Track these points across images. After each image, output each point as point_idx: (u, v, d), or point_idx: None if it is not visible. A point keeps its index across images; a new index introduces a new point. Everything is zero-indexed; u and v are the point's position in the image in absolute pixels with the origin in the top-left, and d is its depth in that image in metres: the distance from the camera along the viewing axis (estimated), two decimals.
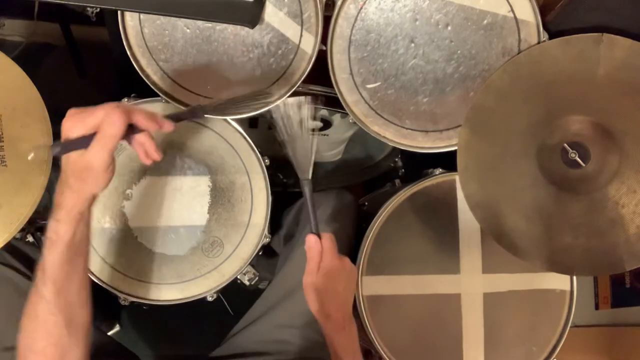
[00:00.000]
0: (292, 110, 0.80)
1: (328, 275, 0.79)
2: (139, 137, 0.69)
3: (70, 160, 0.66)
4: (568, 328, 1.05)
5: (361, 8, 0.92)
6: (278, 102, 0.94)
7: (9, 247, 0.90)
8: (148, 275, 0.99)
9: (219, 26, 0.91)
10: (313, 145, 0.82)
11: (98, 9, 1.04)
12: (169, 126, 0.69)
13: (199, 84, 0.95)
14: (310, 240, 0.80)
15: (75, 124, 0.65)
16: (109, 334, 1.32)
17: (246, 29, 0.91)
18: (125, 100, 0.99)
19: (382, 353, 1.01)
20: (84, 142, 0.64)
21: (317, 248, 0.80)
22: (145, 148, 0.70)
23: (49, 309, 0.70)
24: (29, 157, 0.68)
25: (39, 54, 1.41)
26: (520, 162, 0.94)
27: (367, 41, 0.94)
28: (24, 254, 0.97)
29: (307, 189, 0.82)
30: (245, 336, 0.98)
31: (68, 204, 0.68)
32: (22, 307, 0.90)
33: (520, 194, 0.95)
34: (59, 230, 0.69)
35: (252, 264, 1.01)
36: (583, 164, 0.93)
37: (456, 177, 1.01)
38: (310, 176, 0.82)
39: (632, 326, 1.19)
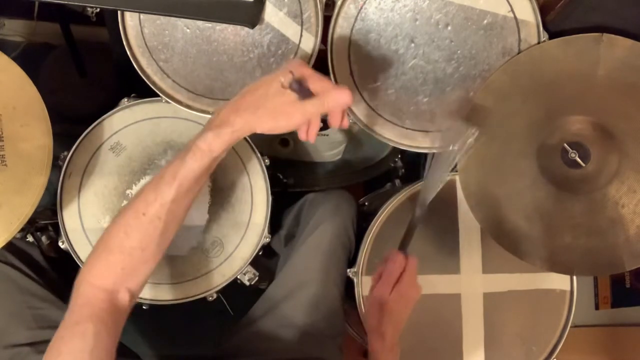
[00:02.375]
0: (456, 138, 0.79)
1: (401, 298, 0.81)
2: (316, 121, 0.74)
3: (282, 99, 0.69)
4: (568, 328, 1.05)
5: (361, 8, 0.92)
6: None
7: (10, 246, 0.90)
8: None
9: (219, 26, 0.91)
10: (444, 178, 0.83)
11: (98, 9, 1.04)
12: (345, 124, 0.76)
13: (199, 84, 0.95)
14: (398, 256, 0.81)
15: (311, 76, 0.70)
16: None
17: (246, 29, 0.91)
18: (125, 100, 0.99)
19: None
20: (306, 93, 0.69)
21: (401, 266, 0.81)
22: (312, 126, 0.74)
23: (160, 211, 0.69)
24: (281, 80, 0.69)
25: (39, 54, 1.41)
26: (520, 162, 0.94)
27: (367, 41, 0.94)
28: (24, 253, 0.97)
29: (418, 212, 0.84)
30: (246, 336, 0.98)
31: (237, 125, 0.69)
32: (22, 305, 0.90)
33: (520, 194, 0.95)
34: (214, 144, 0.68)
35: (252, 264, 1.01)
36: (583, 164, 0.93)
37: (456, 177, 1.01)
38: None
39: (632, 326, 1.19)
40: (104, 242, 0.71)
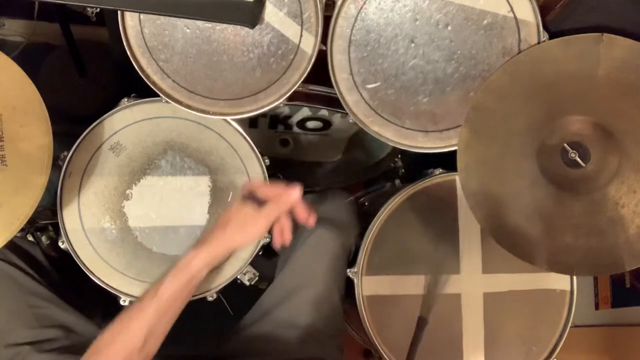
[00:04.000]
0: None
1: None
2: (284, 219, 0.81)
3: (244, 211, 0.78)
4: (568, 328, 1.05)
5: (361, 8, 0.92)
6: (278, 102, 0.95)
7: (11, 244, 0.90)
8: (148, 275, 0.99)
9: (219, 26, 0.91)
10: None
11: (98, 9, 1.04)
12: (312, 223, 0.83)
13: (199, 84, 0.95)
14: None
15: (260, 187, 0.81)
16: None
17: (246, 29, 0.91)
18: (125, 100, 0.99)
19: (382, 353, 1.01)
20: (261, 202, 0.79)
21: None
22: (285, 230, 0.82)
23: (142, 325, 0.74)
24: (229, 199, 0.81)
25: (39, 54, 1.41)
26: (520, 162, 0.94)
27: (367, 41, 0.94)
28: (26, 252, 0.97)
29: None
30: (246, 336, 0.98)
31: (215, 247, 0.77)
32: (23, 304, 0.91)
33: (520, 194, 0.95)
34: (192, 262, 0.76)
35: (252, 264, 1.01)
36: (583, 164, 0.93)
37: (456, 177, 1.01)
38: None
39: (632, 326, 1.19)
40: (95, 345, 0.74)
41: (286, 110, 1.12)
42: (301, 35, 0.92)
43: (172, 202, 1.00)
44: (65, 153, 0.96)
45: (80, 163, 0.97)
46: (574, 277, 1.05)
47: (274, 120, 1.15)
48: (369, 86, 0.96)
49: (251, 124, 1.15)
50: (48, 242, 1.06)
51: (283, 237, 0.83)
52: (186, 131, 1.00)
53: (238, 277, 1.01)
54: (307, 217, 0.81)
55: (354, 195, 1.16)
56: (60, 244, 0.96)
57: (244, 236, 0.79)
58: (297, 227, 1.10)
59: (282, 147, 1.26)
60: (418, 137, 1.00)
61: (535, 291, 1.05)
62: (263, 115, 1.09)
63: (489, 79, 0.94)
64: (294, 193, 0.79)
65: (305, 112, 1.12)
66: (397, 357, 1.01)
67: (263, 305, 1.00)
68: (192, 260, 0.76)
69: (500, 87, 0.94)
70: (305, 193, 1.16)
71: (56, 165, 0.94)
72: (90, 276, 0.97)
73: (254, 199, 0.79)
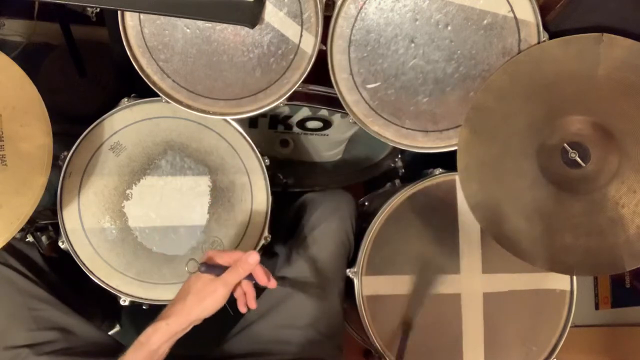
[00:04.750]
0: None
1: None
2: (246, 285, 0.81)
3: (201, 281, 0.77)
4: (568, 328, 1.05)
5: (361, 8, 0.92)
6: (278, 102, 0.95)
7: (9, 247, 0.90)
8: (148, 275, 0.99)
9: (219, 26, 0.91)
10: None
11: (98, 9, 1.04)
12: (273, 285, 0.81)
13: (199, 84, 0.95)
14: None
15: (217, 255, 0.79)
16: (109, 334, 1.32)
17: (246, 29, 0.91)
18: (125, 100, 0.99)
19: (382, 353, 1.01)
20: (219, 270, 0.77)
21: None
22: (248, 296, 0.81)
23: None
24: (187, 269, 0.78)
25: (39, 54, 1.41)
26: (520, 162, 0.94)
27: (367, 41, 0.94)
28: (24, 254, 0.97)
29: None
30: (246, 336, 0.98)
31: (174, 321, 0.76)
32: (22, 307, 0.90)
33: (520, 194, 0.95)
34: (152, 337, 0.75)
35: None
36: (583, 164, 0.93)
37: (456, 177, 1.01)
38: None
39: (632, 326, 1.19)
40: None
41: (286, 110, 1.12)
42: (301, 35, 0.92)
43: (172, 202, 1.00)
44: (65, 153, 0.96)
45: (80, 163, 0.97)
46: (574, 277, 1.05)
47: (274, 120, 1.16)
48: (369, 86, 0.96)
49: (251, 124, 1.15)
50: (48, 242, 1.06)
51: (249, 304, 0.82)
52: (186, 131, 1.00)
53: None
54: (266, 281, 0.80)
55: (354, 195, 1.16)
56: (60, 244, 0.96)
57: (203, 308, 0.77)
58: (298, 223, 1.11)
59: (282, 148, 1.26)
60: (418, 137, 1.00)
61: (535, 291, 1.05)
62: (263, 115, 1.09)
63: (489, 79, 0.94)
64: (252, 258, 0.77)
65: (305, 112, 1.12)
66: (397, 357, 1.01)
67: (263, 306, 1.00)
68: (151, 337, 0.75)
69: (500, 87, 0.94)
70: (305, 193, 1.17)
71: (56, 165, 0.94)
72: (90, 276, 0.97)
73: (212, 267, 0.78)
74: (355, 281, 1.01)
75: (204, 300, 0.76)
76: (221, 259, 0.79)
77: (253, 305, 0.82)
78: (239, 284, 0.80)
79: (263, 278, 0.80)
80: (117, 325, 1.38)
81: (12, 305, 0.90)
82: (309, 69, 0.93)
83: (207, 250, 0.81)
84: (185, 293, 0.77)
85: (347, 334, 1.20)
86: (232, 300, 0.80)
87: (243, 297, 0.82)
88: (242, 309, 0.83)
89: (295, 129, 1.19)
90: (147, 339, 0.75)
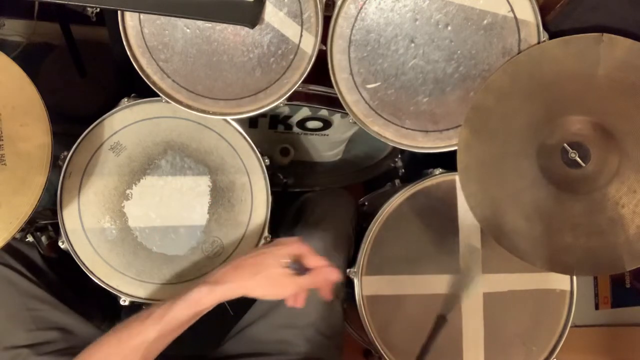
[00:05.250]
0: None
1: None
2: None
3: (280, 271, 0.76)
4: (568, 328, 1.05)
5: (361, 8, 0.92)
6: (278, 102, 0.95)
7: (9, 248, 0.90)
8: (148, 275, 0.99)
9: (219, 26, 0.91)
10: None
11: (98, 9, 1.04)
12: (329, 297, 0.82)
13: (199, 84, 0.95)
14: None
15: (307, 254, 0.79)
16: None
17: (246, 29, 0.91)
18: (125, 100, 0.99)
19: (382, 353, 1.01)
20: (302, 270, 0.78)
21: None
22: (301, 295, 0.80)
23: (140, 346, 0.72)
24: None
25: (39, 54, 1.41)
26: (520, 162, 0.94)
27: (367, 41, 0.94)
28: (23, 255, 0.97)
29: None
30: (246, 337, 0.98)
31: (233, 290, 0.75)
32: (21, 307, 0.90)
33: (520, 194, 0.95)
34: (205, 298, 0.74)
35: None
36: (583, 164, 0.93)
37: (456, 177, 1.01)
38: None
39: (632, 326, 1.18)
40: (89, 352, 0.73)
41: (286, 110, 1.12)
42: (301, 35, 0.92)
43: (172, 202, 1.00)
44: (65, 153, 0.96)
45: (80, 163, 0.97)
46: (574, 277, 1.05)
47: (274, 120, 1.16)
48: (369, 86, 0.96)
49: (251, 124, 1.15)
50: (48, 242, 1.06)
51: (297, 302, 0.81)
52: (186, 131, 1.00)
53: None
54: (328, 295, 0.81)
55: (354, 195, 1.16)
56: (60, 244, 0.96)
57: (266, 292, 0.77)
58: (298, 223, 1.11)
59: (283, 157, 1.26)
60: (418, 137, 1.00)
61: (535, 291, 1.05)
62: (263, 115, 1.09)
63: (489, 79, 0.94)
64: (335, 275, 0.78)
65: (305, 112, 1.12)
66: (397, 357, 1.01)
67: (263, 306, 1.00)
68: (204, 297, 0.74)
69: (500, 87, 0.94)
70: (305, 193, 1.17)
71: (56, 165, 0.94)
72: (90, 276, 0.97)
73: (297, 266, 0.77)
74: (355, 281, 1.01)
75: (273, 288, 0.76)
76: (308, 261, 0.78)
77: (301, 304, 0.81)
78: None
79: (326, 292, 0.81)
80: None
81: (12, 305, 0.90)
82: (309, 69, 0.93)
83: (295, 242, 0.79)
84: (256, 270, 0.76)
85: (347, 334, 1.19)
86: (232, 301, 0.80)
87: (294, 296, 0.81)
88: (291, 302, 0.82)
89: (295, 129, 1.19)
90: (199, 299, 0.74)
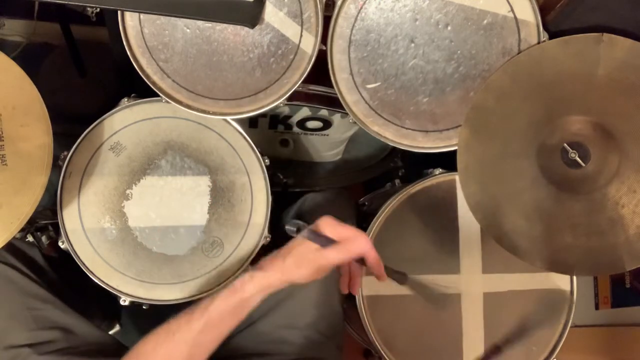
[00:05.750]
0: None
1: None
2: (355, 268, 0.79)
3: (304, 247, 0.74)
4: (568, 328, 1.05)
5: (361, 8, 0.92)
6: (278, 102, 0.95)
7: (9, 246, 0.90)
8: (148, 275, 0.99)
9: (219, 26, 0.91)
10: None
11: (98, 9, 1.04)
12: (383, 279, 0.79)
13: (199, 84, 0.95)
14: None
15: (330, 225, 0.74)
16: (109, 333, 1.32)
17: (246, 29, 0.91)
18: (125, 100, 0.99)
19: (382, 353, 1.01)
20: (325, 242, 0.73)
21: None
22: (353, 280, 0.79)
23: (187, 337, 0.73)
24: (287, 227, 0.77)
25: (39, 54, 1.41)
26: (520, 162, 0.94)
27: (367, 41, 0.94)
28: (24, 254, 0.97)
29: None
30: (246, 336, 0.98)
31: (271, 275, 0.74)
32: (22, 306, 0.90)
33: (520, 194, 0.95)
34: (247, 285, 0.73)
35: (252, 264, 1.01)
36: (583, 164, 0.93)
37: (456, 177, 1.01)
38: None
39: (632, 326, 1.18)
40: (137, 350, 0.74)
41: (286, 110, 1.12)
42: (301, 35, 0.92)
43: (172, 202, 1.00)
44: (65, 153, 0.96)
45: (80, 163, 0.97)
46: (574, 277, 1.05)
47: (274, 120, 1.16)
48: (369, 86, 0.96)
49: (251, 124, 1.15)
50: (48, 242, 1.06)
51: (351, 289, 0.79)
52: (186, 131, 1.00)
53: (238, 277, 1.00)
54: (380, 271, 0.77)
55: (354, 195, 1.16)
56: (60, 244, 0.96)
57: (299, 275, 0.74)
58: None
59: (283, 148, 1.26)
60: (418, 137, 1.00)
61: (535, 291, 1.05)
62: (263, 115, 1.09)
63: (489, 79, 0.94)
64: (361, 241, 0.73)
65: (305, 112, 1.12)
66: (397, 357, 1.01)
67: (263, 305, 0.99)
68: (246, 284, 0.73)
69: (500, 87, 0.94)
70: (305, 193, 1.17)
71: (56, 165, 0.94)
72: (90, 276, 0.97)
73: (318, 237, 0.73)
74: None
75: (301, 268, 0.73)
76: (330, 231, 0.74)
77: (354, 291, 0.80)
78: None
79: (378, 267, 0.76)
80: (117, 325, 1.38)
81: (12, 304, 0.90)
82: (309, 69, 0.93)
83: (318, 221, 0.76)
84: (287, 253, 0.74)
85: (347, 334, 1.20)
86: None
87: (347, 277, 0.79)
88: (344, 288, 0.80)
89: (295, 129, 1.19)
90: (240, 286, 0.73)
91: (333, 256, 0.73)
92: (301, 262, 0.73)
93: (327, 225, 0.74)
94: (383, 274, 0.78)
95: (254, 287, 0.73)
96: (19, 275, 0.92)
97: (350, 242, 0.73)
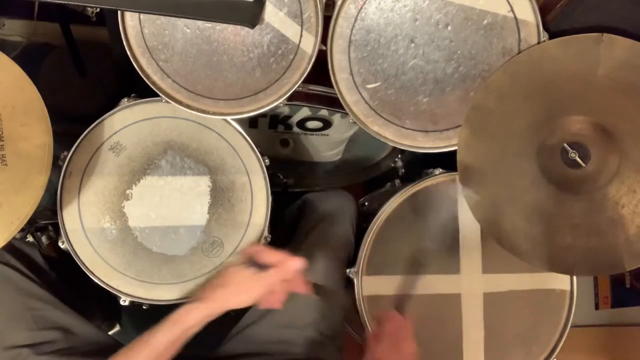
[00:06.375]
0: None
1: (402, 357, 0.84)
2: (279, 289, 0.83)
3: (241, 275, 0.80)
4: (568, 328, 1.05)
5: (361, 8, 0.92)
6: (278, 102, 0.95)
7: (9, 246, 0.90)
8: (148, 275, 0.99)
9: (219, 26, 0.91)
10: None
11: (98, 9, 1.04)
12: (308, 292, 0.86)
13: (199, 84, 0.95)
14: (397, 317, 0.88)
15: (266, 253, 0.81)
16: (109, 333, 1.32)
17: (246, 29, 0.91)
18: (125, 100, 0.99)
19: None
20: (262, 267, 0.80)
21: (402, 325, 0.86)
22: (276, 298, 0.83)
23: None
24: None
25: (39, 54, 1.41)
26: (520, 162, 0.94)
27: (367, 41, 0.94)
28: (24, 254, 0.97)
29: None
30: (246, 336, 0.98)
31: (211, 305, 0.79)
32: (22, 307, 0.90)
33: (520, 194, 0.95)
34: (185, 317, 0.78)
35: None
36: (583, 164, 0.93)
37: (456, 177, 1.01)
38: None
39: (632, 326, 1.19)
40: None
41: (286, 110, 1.12)
42: (301, 35, 0.92)
43: (172, 202, 1.00)
44: (65, 153, 0.96)
45: (80, 163, 0.97)
46: (574, 277, 1.05)
47: (274, 120, 1.16)
48: (369, 86, 0.96)
49: (251, 124, 1.15)
50: (48, 242, 1.06)
51: (273, 303, 0.83)
52: (186, 131, 1.00)
53: None
54: (304, 289, 0.84)
55: (354, 195, 1.16)
56: (60, 244, 0.96)
57: (239, 301, 0.80)
58: (298, 223, 1.11)
59: (283, 148, 1.26)
60: (418, 137, 1.00)
61: (535, 291, 1.05)
62: (263, 115, 1.09)
63: (489, 79, 0.94)
64: (297, 263, 0.80)
65: (305, 112, 1.12)
66: None
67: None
68: (187, 315, 0.77)
69: (500, 87, 0.94)
70: (305, 193, 1.17)
71: (56, 165, 0.93)
72: (90, 276, 0.97)
73: (254, 263, 0.80)
74: (355, 281, 1.01)
75: (241, 294, 0.79)
76: (266, 258, 0.80)
77: (278, 306, 0.84)
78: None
79: (301, 287, 0.83)
80: (117, 325, 1.38)
81: (12, 305, 0.90)
82: (309, 69, 0.93)
83: (255, 245, 0.84)
84: (226, 281, 0.80)
85: (347, 334, 1.19)
86: None
87: (270, 298, 0.83)
88: (265, 307, 0.86)
89: (295, 129, 1.19)
90: (181, 317, 0.77)
91: (270, 280, 0.80)
92: (241, 289, 0.80)
93: (261, 252, 0.81)
94: (308, 288, 0.85)
95: (195, 317, 0.78)
96: (19, 275, 0.92)
97: (284, 265, 0.80)
